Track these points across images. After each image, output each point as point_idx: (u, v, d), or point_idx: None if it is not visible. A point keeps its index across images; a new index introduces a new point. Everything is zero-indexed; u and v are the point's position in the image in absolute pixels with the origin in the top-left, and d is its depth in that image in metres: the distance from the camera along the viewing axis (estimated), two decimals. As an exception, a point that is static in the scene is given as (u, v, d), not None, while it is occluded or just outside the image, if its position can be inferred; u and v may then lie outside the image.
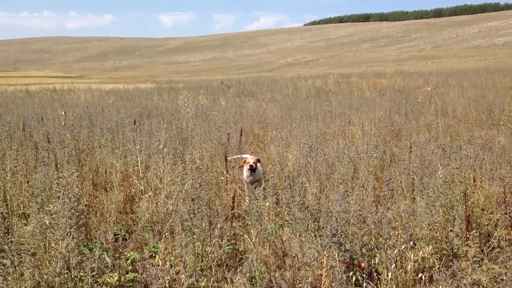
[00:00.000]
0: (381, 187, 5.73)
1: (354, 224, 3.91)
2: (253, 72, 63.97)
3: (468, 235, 3.61)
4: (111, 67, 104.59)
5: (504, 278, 3.12)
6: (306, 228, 4.16)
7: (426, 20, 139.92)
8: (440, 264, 3.78)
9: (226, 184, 5.81)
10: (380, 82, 28.95)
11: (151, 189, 5.30)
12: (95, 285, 3.48)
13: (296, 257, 3.81)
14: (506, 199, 4.55)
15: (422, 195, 4.63)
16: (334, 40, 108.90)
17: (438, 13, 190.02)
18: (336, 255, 3.45)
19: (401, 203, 4.74)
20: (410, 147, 8.04)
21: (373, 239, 3.87)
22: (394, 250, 3.59)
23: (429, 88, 20.81)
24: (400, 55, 70.86)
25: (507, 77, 24.87)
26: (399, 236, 3.72)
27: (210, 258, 3.83)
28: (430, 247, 3.77)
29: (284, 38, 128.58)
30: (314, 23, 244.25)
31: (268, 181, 5.45)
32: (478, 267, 3.83)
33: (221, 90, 26.63)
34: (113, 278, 3.72)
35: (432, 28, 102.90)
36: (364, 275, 3.61)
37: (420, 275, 3.61)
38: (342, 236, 3.80)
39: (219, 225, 4.08)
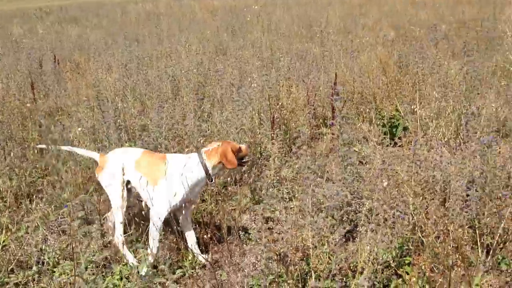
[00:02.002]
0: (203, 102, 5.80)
1: (167, 138, 3.92)
2: (78, -3, 58.16)
3: (273, 135, 3.83)
4: None
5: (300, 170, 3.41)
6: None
7: None
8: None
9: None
10: (212, 3, 28.58)
11: None
12: None
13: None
14: (309, 99, 4.93)
15: (238, 103, 4.80)
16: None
17: None
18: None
19: (218, 113, 4.85)
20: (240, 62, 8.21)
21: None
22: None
23: (257, 7, 21.20)
24: (232, -24, 70.61)
25: (327, -7, 26.56)
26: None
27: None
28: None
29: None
30: None
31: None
32: (284, 163, 4.16)
33: (39, 18, 23.75)
34: None
35: None
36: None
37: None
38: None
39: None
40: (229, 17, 18.89)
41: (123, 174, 3.08)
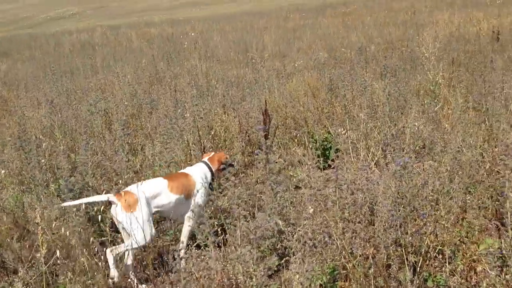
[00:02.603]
0: (136, 134, 5.70)
1: (95, 175, 3.80)
2: (11, 30, 56.16)
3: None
4: None
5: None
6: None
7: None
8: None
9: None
10: (149, 31, 28.46)
11: None
12: None
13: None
14: (241, 127, 4.95)
15: (169, 135, 4.74)
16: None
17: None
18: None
19: (152, 146, 4.77)
20: (175, 91, 8.17)
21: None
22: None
23: (193, 34, 21.34)
24: (172, 2, 70.87)
25: (263, 19, 27.17)
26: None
27: None
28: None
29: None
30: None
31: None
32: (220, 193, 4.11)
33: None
34: None
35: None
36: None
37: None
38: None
39: None
40: (166, 45, 18.87)
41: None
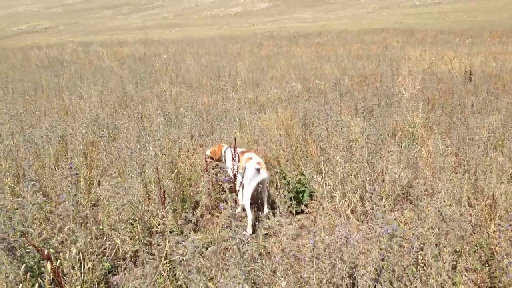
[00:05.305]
0: (96, 167, 5.20)
1: (36, 221, 3.29)
2: (-23, 41, 54.46)
3: (163, 213, 3.35)
4: None
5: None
6: None
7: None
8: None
9: None
10: (121, 50, 27.97)
11: None
12: None
13: None
14: (207, 167, 4.55)
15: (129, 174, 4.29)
16: (72, 6, 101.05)
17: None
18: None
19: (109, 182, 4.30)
20: (142, 118, 7.72)
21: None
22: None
23: (165, 56, 21.00)
24: (145, 23, 70.42)
25: (237, 44, 27.10)
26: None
27: None
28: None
29: (13, 2, 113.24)
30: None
31: None
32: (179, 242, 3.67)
33: None
34: None
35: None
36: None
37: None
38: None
39: None
40: (137, 66, 18.41)
41: None
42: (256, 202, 4.62)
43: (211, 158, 4.80)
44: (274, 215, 4.51)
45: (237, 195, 4.15)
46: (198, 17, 74.03)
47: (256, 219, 4.40)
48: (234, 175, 4.26)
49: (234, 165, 4.27)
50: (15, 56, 26.10)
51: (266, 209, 4.55)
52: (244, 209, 4.30)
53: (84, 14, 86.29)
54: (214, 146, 5.00)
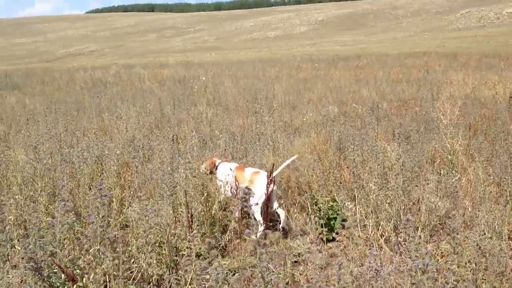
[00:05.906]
0: (128, 188, 5.26)
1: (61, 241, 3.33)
2: (29, 62, 57.30)
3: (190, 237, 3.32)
4: None
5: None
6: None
7: (208, 13, 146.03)
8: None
9: None
10: (162, 72, 28.65)
11: None
12: None
13: None
14: (237, 191, 4.51)
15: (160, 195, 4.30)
16: (119, 29, 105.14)
17: (218, 7, 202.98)
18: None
19: (138, 204, 4.32)
20: (173, 139, 7.79)
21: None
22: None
23: (204, 78, 21.32)
24: (187, 46, 72.25)
25: (276, 67, 27.25)
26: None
27: None
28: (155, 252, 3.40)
29: (65, 26, 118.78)
30: (97, 11, 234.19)
31: None
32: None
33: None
34: None
35: (214, 20, 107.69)
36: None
37: None
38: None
39: None
40: (176, 87, 18.76)
41: None
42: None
43: (210, 172, 5.07)
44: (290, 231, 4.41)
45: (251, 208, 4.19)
46: (238, 40, 75.33)
47: (283, 242, 4.29)
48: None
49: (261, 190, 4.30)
50: (61, 77, 27.16)
51: (282, 216, 4.58)
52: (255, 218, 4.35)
53: (130, 37, 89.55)
54: (206, 161, 5.23)
